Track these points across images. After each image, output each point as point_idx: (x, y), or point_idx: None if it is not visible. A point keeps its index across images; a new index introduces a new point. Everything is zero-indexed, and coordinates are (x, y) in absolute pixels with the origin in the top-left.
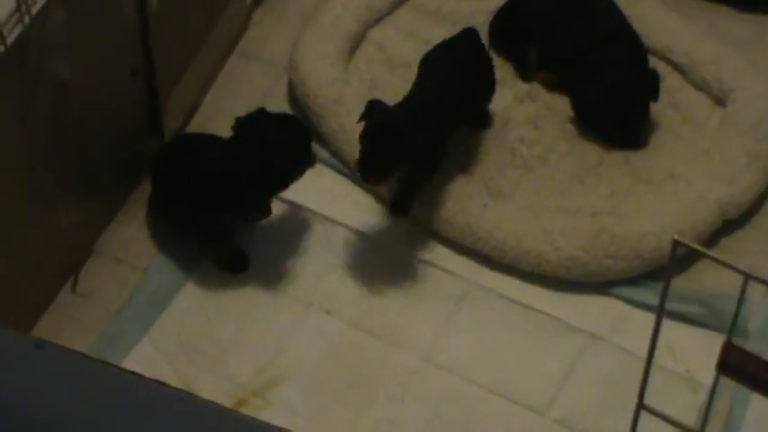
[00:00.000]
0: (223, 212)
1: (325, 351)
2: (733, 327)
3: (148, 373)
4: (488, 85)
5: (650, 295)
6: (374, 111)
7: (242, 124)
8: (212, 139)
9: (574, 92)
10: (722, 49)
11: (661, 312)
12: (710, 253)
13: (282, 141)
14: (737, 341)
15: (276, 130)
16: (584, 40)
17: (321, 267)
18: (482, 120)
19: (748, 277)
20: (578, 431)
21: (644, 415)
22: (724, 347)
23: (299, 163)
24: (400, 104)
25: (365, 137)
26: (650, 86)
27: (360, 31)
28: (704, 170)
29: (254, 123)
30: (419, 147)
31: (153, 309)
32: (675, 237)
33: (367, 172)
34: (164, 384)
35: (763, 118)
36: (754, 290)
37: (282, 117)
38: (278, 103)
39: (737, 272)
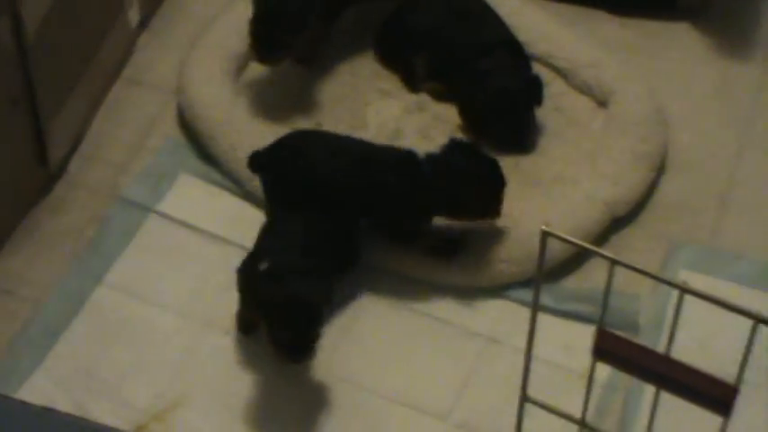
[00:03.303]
0: None
1: (225, 370)
2: (604, 313)
3: (44, 404)
4: None
5: (544, 296)
6: None
7: None
8: None
9: (461, 100)
10: (602, 54)
11: (536, 305)
12: (579, 241)
13: None
14: (631, 336)
15: None
16: (469, 50)
17: (219, 288)
18: None
19: (614, 263)
20: None
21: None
22: (597, 334)
23: None
24: None
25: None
26: (534, 92)
27: (247, 50)
28: (591, 171)
29: None
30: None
31: (47, 339)
32: (543, 227)
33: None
34: (54, 411)
35: (645, 118)
36: (644, 284)
37: None
38: (167, 128)
39: (604, 258)
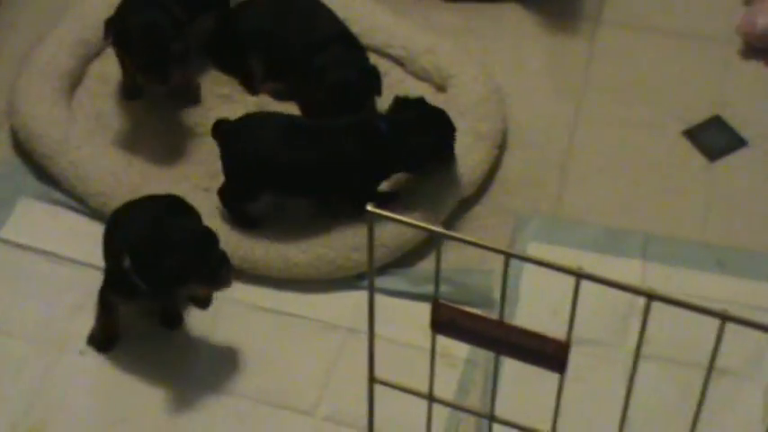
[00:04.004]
0: None
1: (84, 391)
2: (437, 287)
3: None
4: None
5: (400, 282)
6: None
7: None
8: None
9: (301, 98)
10: (437, 39)
11: (372, 287)
12: (403, 218)
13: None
14: (487, 312)
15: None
16: (303, 47)
17: (70, 309)
18: None
19: (442, 236)
20: (346, 425)
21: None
22: (433, 306)
23: None
24: None
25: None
26: (372, 82)
27: (78, 66)
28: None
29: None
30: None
31: None
32: (369, 208)
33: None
34: None
35: (483, 98)
36: (498, 260)
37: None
38: (1, 153)
39: (428, 231)
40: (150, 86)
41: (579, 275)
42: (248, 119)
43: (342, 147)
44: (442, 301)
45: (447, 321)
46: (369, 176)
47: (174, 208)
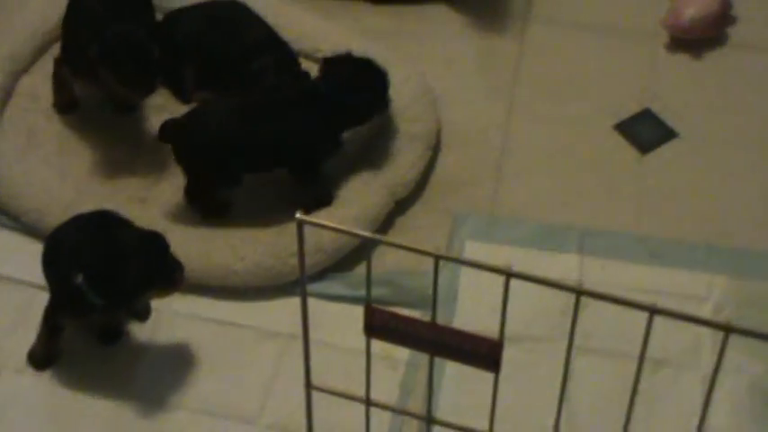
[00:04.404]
0: None
1: (24, 410)
2: (368, 291)
3: None
4: None
5: (339, 287)
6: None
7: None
8: None
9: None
10: (368, 43)
11: (304, 294)
12: (333, 225)
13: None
14: (425, 314)
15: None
16: (235, 55)
17: (6, 327)
18: None
19: (372, 241)
20: None
21: None
22: (365, 311)
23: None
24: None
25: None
26: None
27: (7, 82)
28: (369, 158)
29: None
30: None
31: None
32: (297, 215)
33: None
34: None
35: (413, 99)
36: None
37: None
38: None
39: (359, 237)
40: (131, 99)
41: (509, 274)
42: (194, 111)
43: (296, 116)
44: (374, 305)
45: (380, 325)
46: (323, 143)
47: (109, 221)
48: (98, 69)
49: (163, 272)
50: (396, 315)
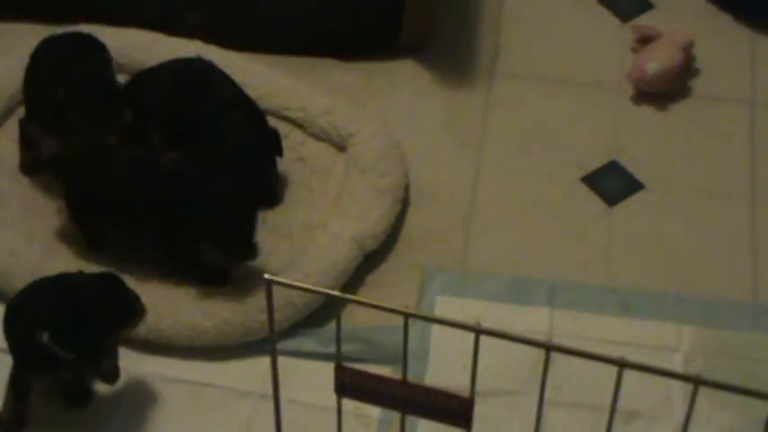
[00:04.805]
0: None
1: None
2: (339, 349)
3: None
4: None
5: (310, 342)
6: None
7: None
8: None
9: (202, 164)
10: (334, 99)
11: (274, 354)
12: (303, 285)
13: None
14: (397, 369)
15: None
16: (202, 114)
17: None
18: None
19: (343, 300)
20: None
21: None
22: (336, 370)
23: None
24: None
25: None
26: (274, 145)
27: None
28: (337, 213)
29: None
30: None
31: None
32: (266, 275)
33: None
34: None
35: (382, 155)
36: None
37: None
38: None
39: (332, 297)
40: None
41: (478, 331)
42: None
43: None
44: (345, 363)
45: (351, 384)
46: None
47: (65, 278)
48: (65, 114)
49: (125, 307)
50: (366, 374)
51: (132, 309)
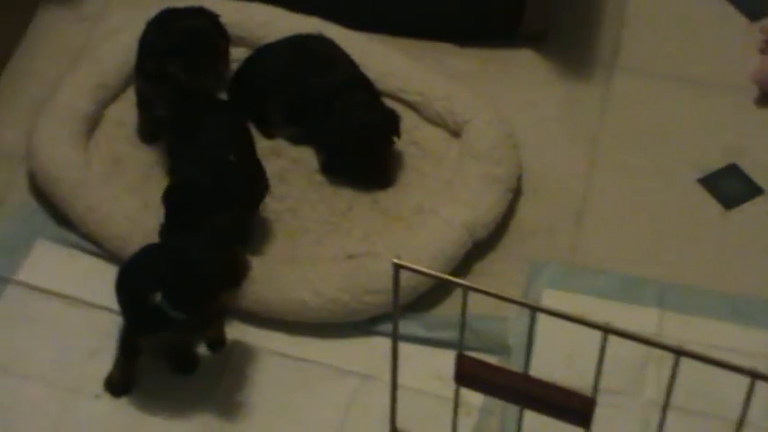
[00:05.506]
0: None
1: None
2: (462, 338)
3: None
4: None
5: (413, 326)
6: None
7: None
8: None
9: (320, 142)
10: (451, 84)
11: (395, 338)
12: (430, 271)
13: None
14: (503, 359)
15: None
16: (322, 91)
17: (85, 353)
18: None
19: (468, 289)
20: None
21: None
22: (458, 359)
23: None
24: None
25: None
26: (392, 125)
27: (96, 110)
28: (449, 199)
29: None
30: None
31: None
32: (394, 260)
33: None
34: None
35: (496, 143)
36: (512, 307)
37: None
38: (19, 196)
39: (457, 285)
40: (201, 85)
41: (607, 330)
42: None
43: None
44: (466, 353)
45: (471, 374)
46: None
47: (174, 243)
48: (166, 66)
49: (232, 265)
50: (487, 364)
51: (238, 267)
